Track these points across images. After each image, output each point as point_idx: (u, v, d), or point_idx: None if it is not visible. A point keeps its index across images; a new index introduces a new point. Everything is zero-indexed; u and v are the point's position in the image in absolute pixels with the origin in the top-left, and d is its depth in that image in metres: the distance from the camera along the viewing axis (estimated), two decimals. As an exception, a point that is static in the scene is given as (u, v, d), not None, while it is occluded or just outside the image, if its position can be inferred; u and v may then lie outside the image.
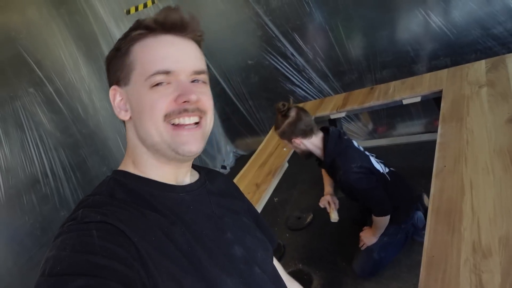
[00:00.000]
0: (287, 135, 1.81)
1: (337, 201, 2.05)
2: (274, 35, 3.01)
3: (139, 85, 0.61)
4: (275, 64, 3.15)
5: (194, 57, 0.65)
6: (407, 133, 3.03)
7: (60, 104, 2.35)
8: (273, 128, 2.08)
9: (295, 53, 3.03)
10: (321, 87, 3.10)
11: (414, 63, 2.60)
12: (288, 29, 2.93)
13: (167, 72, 0.60)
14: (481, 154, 1.40)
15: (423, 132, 2.98)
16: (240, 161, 4.11)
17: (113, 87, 0.65)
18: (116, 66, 0.63)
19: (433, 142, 2.86)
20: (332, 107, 2.43)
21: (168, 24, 0.62)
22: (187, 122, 0.62)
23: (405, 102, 2.16)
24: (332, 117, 2.44)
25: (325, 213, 2.42)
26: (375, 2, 2.50)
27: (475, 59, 2.31)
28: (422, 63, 2.57)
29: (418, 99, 2.13)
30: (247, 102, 3.58)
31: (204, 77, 0.66)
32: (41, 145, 2.10)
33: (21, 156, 2.04)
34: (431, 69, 2.53)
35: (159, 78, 0.60)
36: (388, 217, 1.87)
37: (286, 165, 2.09)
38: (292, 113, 1.78)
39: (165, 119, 0.61)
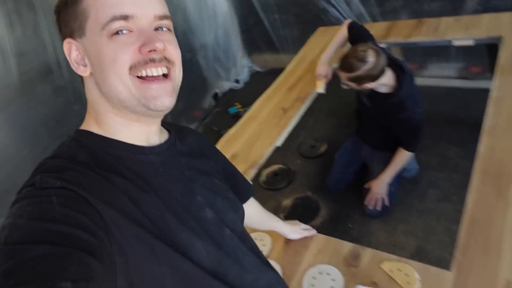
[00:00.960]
0: (361, 80, 1.68)
1: (331, 74, 2.01)
2: None
3: (96, 35, 0.54)
4: (313, -25, 2.82)
5: (155, 0, 0.58)
6: (438, 76, 2.87)
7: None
8: (325, 59, 1.95)
9: (338, -35, 2.69)
10: (358, 10, 2.82)
11: (471, -1, 2.33)
12: None
13: (125, 17, 0.54)
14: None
15: (455, 77, 2.82)
16: (255, 77, 3.95)
17: (67, 40, 0.57)
18: (67, 16, 0.56)
19: (464, 90, 2.78)
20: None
21: None
22: (155, 74, 0.56)
23: (456, 43, 1.98)
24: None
25: (339, 145, 2.39)
26: None
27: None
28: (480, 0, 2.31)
29: (471, 42, 1.94)
30: (272, 15, 3.29)
31: (168, 23, 0.60)
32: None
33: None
34: (488, 9, 2.28)
35: (117, 24, 0.54)
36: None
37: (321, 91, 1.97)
38: (371, 58, 1.61)
39: (131, 71, 0.55)
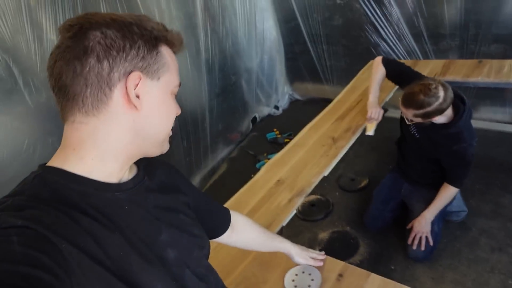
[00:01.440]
0: (429, 115, 1.63)
1: (381, 116, 1.97)
2: (375, -24, 2.65)
3: (167, 88, 0.63)
4: (366, 10, 2.82)
5: None
6: (490, 119, 2.75)
7: None
8: (375, 102, 1.93)
9: (392, 1, 2.68)
10: (410, 47, 2.79)
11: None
12: (393, -29, 2.56)
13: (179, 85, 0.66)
14: None
15: (508, 122, 2.69)
16: (294, 105, 3.94)
17: (138, 72, 0.57)
18: (143, 53, 0.58)
19: (517, 136, 2.65)
20: (428, 72, 2.17)
21: (179, 47, 0.65)
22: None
23: (519, 86, 1.89)
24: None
25: (380, 180, 2.30)
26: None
27: None
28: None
29: (538, 87, 1.85)
30: (320, 45, 3.30)
31: None
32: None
33: None
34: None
35: (177, 90, 0.65)
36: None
37: (372, 133, 1.93)
38: (441, 93, 1.56)
39: None
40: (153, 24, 0.60)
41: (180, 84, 0.66)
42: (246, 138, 3.55)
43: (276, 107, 3.86)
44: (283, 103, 3.91)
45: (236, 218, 1.01)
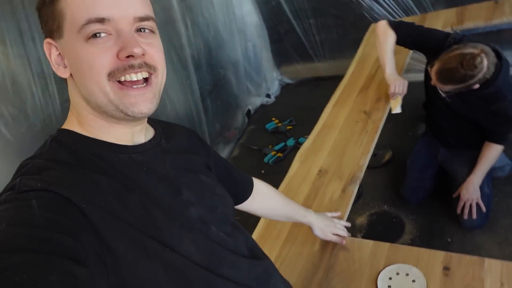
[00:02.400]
0: (472, 86, 1.45)
1: (406, 87, 1.70)
2: None
3: (73, 38, 0.52)
4: (354, -28, 2.62)
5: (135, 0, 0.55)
6: None
7: None
8: (395, 74, 1.69)
9: (381, -42, 2.49)
10: (406, 3, 2.60)
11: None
12: None
13: (101, 20, 0.51)
14: None
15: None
16: (286, 90, 3.72)
17: (47, 40, 0.56)
18: (46, 15, 0.54)
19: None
20: (443, 24, 1.99)
21: None
22: (134, 79, 0.55)
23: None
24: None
25: (408, 151, 2.12)
26: None
27: None
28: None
29: None
30: (307, 20, 3.08)
31: (151, 24, 0.57)
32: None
33: None
34: None
35: (93, 27, 0.51)
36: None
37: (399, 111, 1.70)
38: (484, 62, 1.36)
39: (109, 78, 0.53)
40: None
41: (99, 20, 0.51)
42: (244, 133, 3.31)
43: (268, 96, 3.63)
44: (274, 90, 3.68)
45: (259, 186, 0.99)
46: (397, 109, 1.68)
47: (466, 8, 2.02)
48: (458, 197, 1.79)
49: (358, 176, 1.38)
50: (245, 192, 0.94)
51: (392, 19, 2.61)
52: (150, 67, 0.56)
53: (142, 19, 0.55)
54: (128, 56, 0.53)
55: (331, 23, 2.99)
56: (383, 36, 1.70)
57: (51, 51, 0.57)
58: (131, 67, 0.53)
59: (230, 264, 0.65)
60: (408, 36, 1.68)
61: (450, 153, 1.94)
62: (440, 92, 1.57)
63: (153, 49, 0.57)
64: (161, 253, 0.54)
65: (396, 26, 1.70)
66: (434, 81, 1.52)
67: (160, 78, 0.59)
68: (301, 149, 1.62)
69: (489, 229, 1.77)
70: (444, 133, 1.92)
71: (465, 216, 1.76)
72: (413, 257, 1.03)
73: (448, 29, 1.94)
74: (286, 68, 3.65)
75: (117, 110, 0.55)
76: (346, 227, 1.17)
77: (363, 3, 2.72)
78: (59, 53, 0.56)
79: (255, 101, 3.53)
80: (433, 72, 1.50)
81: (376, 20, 2.72)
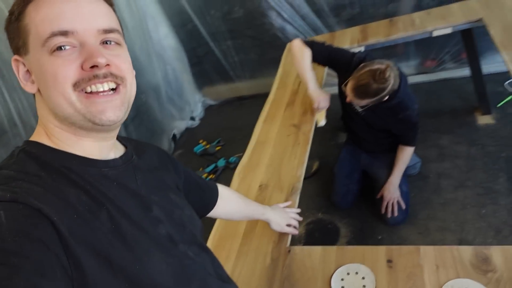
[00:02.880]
0: (383, 98, 1.58)
1: (329, 101, 1.79)
2: (266, -40, 2.61)
3: (37, 52, 0.53)
4: (265, -5, 2.77)
5: (99, 12, 0.56)
6: (398, 75, 2.96)
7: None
8: (317, 89, 1.75)
9: (289, -17, 2.68)
10: (315, 24, 2.83)
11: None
12: (284, -47, 2.54)
13: (64, 33, 0.52)
14: None
15: (415, 73, 2.94)
16: (210, 111, 3.73)
17: (14, 57, 0.57)
18: (12, 33, 0.56)
19: (427, 84, 2.90)
20: (350, 40, 2.20)
21: None
22: (101, 89, 0.55)
23: (435, 33, 2.03)
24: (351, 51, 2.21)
25: (332, 160, 2.27)
26: None
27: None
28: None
29: (449, 30, 2.01)
30: (224, 42, 3.16)
31: (116, 36, 0.58)
32: (3, 83, 1.52)
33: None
34: (442, 3, 2.41)
35: (57, 40, 0.52)
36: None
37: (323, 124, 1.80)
38: (391, 74, 1.49)
39: (75, 88, 0.53)
40: None
41: (63, 32, 0.52)
42: (172, 158, 3.23)
43: (192, 118, 3.61)
44: (198, 112, 3.67)
45: (221, 190, 1.02)
46: (322, 122, 1.78)
47: (368, 26, 2.26)
48: (381, 198, 1.97)
49: (298, 186, 1.43)
50: (213, 199, 0.97)
51: (303, 37, 2.82)
52: (117, 78, 0.56)
53: (106, 31, 0.56)
54: (92, 67, 0.53)
55: (249, 44, 3.11)
56: (300, 54, 1.76)
57: (19, 68, 0.57)
58: (96, 77, 0.54)
59: (199, 284, 0.65)
60: (321, 54, 1.77)
61: (370, 158, 2.11)
62: (356, 107, 1.72)
63: (119, 60, 0.57)
64: (128, 270, 0.53)
65: (309, 44, 1.78)
66: (350, 98, 1.64)
67: (129, 88, 0.59)
68: (238, 167, 1.63)
69: (410, 222, 1.97)
70: (363, 141, 2.10)
71: (389, 215, 1.94)
72: (359, 256, 1.10)
73: (355, 45, 2.15)
74: (208, 90, 3.67)
75: (85, 119, 0.55)
76: (298, 213, 1.28)
77: (275, 24, 2.89)
78: (27, 69, 0.56)
79: (179, 125, 3.47)
80: (348, 90, 1.61)
81: (289, 40, 2.89)
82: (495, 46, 1.69)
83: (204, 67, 3.42)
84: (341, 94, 1.85)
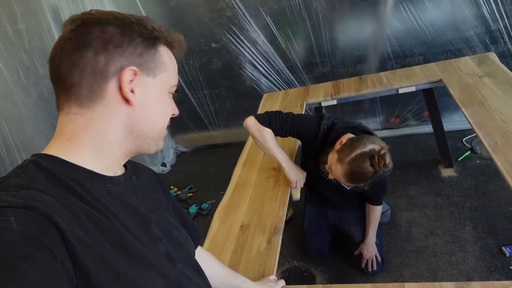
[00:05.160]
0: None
1: (304, 177, 1.69)
2: (245, 19, 2.80)
3: (164, 86, 0.64)
4: (243, 50, 2.93)
5: None
6: (366, 130, 3.14)
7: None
8: (291, 165, 1.64)
9: (265, 40, 2.87)
10: (289, 78, 3.00)
11: (389, 59, 2.71)
12: (262, 12, 2.75)
13: (176, 86, 0.68)
14: (528, 130, 1.47)
15: (382, 128, 3.13)
16: (182, 158, 3.71)
17: (134, 68, 0.59)
18: (141, 50, 0.60)
19: (392, 138, 3.09)
20: (324, 94, 2.34)
21: (179, 50, 0.68)
22: None
23: (401, 91, 2.21)
24: (324, 104, 2.35)
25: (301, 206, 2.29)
26: (362, -6, 2.53)
27: (444, 59, 2.52)
28: (397, 59, 2.70)
29: (413, 88, 2.20)
30: (201, 91, 3.24)
31: None
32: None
33: None
34: (404, 65, 2.67)
35: (174, 90, 0.67)
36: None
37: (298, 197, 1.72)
38: (390, 159, 1.37)
39: None
40: (154, 25, 0.62)
41: (178, 86, 0.68)
42: (140, 205, 3.11)
43: (164, 164, 3.56)
44: (170, 158, 3.63)
45: (199, 248, 0.97)
46: (297, 197, 1.67)
47: (340, 82, 2.43)
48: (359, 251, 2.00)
49: (280, 226, 1.43)
50: (196, 240, 0.92)
51: (275, 90, 2.96)
52: None
53: None
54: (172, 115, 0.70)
55: (224, 94, 3.21)
56: (260, 135, 1.60)
57: (127, 74, 0.59)
58: None
59: None
60: (282, 129, 1.60)
61: (338, 213, 2.07)
62: (346, 188, 1.63)
63: None
64: (134, 283, 0.54)
65: (267, 122, 1.60)
66: (339, 179, 1.48)
67: None
68: (218, 208, 1.61)
69: (385, 269, 1.99)
70: (329, 201, 2.02)
71: (369, 269, 1.97)
72: (346, 295, 1.09)
73: (328, 98, 2.28)
74: (181, 137, 3.68)
75: (154, 145, 0.67)
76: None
77: (252, 76, 3.03)
78: (132, 81, 0.59)
79: (150, 171, 3.40)
80: (339, 174, 1.44)
81: (264, 91, 3.03)
82: (455, 105, 1.86)
83: (179, 115, 3.44)
84: (307, 159, 1.78)
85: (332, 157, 1.47)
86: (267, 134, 1.59)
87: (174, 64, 0.66)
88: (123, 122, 0.60)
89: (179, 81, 0.70)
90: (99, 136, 0.59)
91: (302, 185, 1.68)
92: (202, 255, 0.99)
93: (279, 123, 1.59)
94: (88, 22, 0.57)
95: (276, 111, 1.64)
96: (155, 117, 0.63)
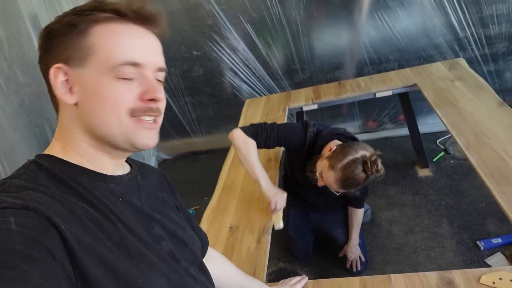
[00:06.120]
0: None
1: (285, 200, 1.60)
2: (226, 27, 2.85)
3: (100, 73, 0.56)
4: (224, 57, 2.98)
5: (160, 53, 0.64)
6: (345, 134, 3.23)
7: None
8: (271, 187, 1.56)
9: (246, 48, 2.93)
10: (270, 85, 3.06)
11: (366, 65, 2.82)
12: (242, 21, 2.81)
13: (135, 64, 0.58)
14: (497, 130, 1.58)
15: (360, 132, 3.23)
16: (164, 165, 3.70)
17: (59, 65, 0.57)
18: (66, 43, 0.57)
19: (371, 141, 3.19)
20: (305, 99, 2.41)
21: (142, 15, 0.59)
22: (147, 120, 0.61)
23: (378, 95, 2.31)
24: (305, 109, 2.42)
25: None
26: (339, 2, 2.63)
27: (418, 64, 2.65)
28: (373, 65, 2.81)
29: (390, 92, 2.30)
30: (182, 98, 3.26)
31: (164, 76, 0.66)
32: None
33: None
34: (380, 71, 2.78)
35: (127, 70, 0.57)
36: None
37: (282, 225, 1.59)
38: (382, 166, 1.38)
39: (130, 114, 0.58)
40: (88, 5, 0.58)
41: (134, 64, 0.57)
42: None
43: (145, 172, 3.53)
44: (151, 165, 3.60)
45: (211, 253, 0.97)
46: (279, 225, 1.54)
47: (320, 87, 2.51)
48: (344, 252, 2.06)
49: (269, 226, 1.46)
50: (204, 246, 0.92)
51: (256, 96, 3.01)
52: (160, 112, 0.64)
53: (161, 69, 0.62)
54: (150, 100, 0.59)
55: (206, 101, 3.24)
56: (245, 147, 1.56)
57: (57, 75, 0.57)
58: (150, 109, 0.60)
59: None
60: (269, 139, 1.59)
61: (321, 215, 2.09)
62: (336, 194, 1.54)
63: (163, 97, 0.63)
64: (134, 282, 0.54)
65: (253, 133, 1.59)
66: (330, 186, 1.49)
67: (161, 120, 0.67)
68: (207, 210, 1.63)
69: (369, 267, 2.05)
70: (312, 205, 2.04)
71: (354, 269, 2.04)
72: (335, 287, 1.13)
73: (309, 102, 2.36)
74: (163, 144, 3.66)
75: (127, 141, 0.60)
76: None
77: (233, 83, 3.07)
78: (67, 79, 0.58)
79: (131, 179, 3.37)
80: (330, 180, 1.45)
81: (245, 98, 3.08)
82: (428, 108, 1.97)
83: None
84: (292, 165, 1.79)
85: (323, 164, 1.48)
86: (252, 146, 1.56)
87: (115, 40, 0.57)
88: (80, 125, 0.59)
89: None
90: (74, 140, 0.60)
91: (282, 206, 1.54)
92: (217, 258, 1.00)
93: (265, 134, 1.58)
94: (43, 33, 0.59)
95: (261, 122, 1.63)
96: (102, 111, 0.57)
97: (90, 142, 0.61)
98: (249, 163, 1.55)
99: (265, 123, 1.63)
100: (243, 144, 1.56)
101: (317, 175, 1.52)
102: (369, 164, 1.35)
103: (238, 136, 1.57)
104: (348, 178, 1.38)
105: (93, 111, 0.57)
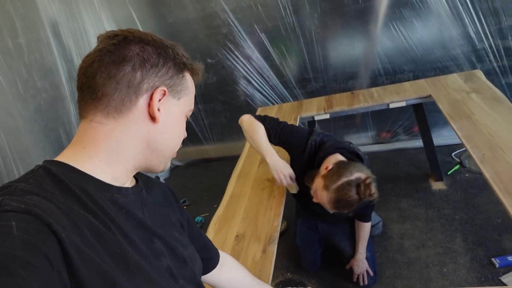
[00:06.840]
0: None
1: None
2: (240, 35, 2.88)
3: (183, 110, 0.69)
4: (238, 66, 3.00)
5: None
6: (358, 144, 3.19)
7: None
8: (281, 163, 1.59)
9: (260, 56, 2.94)
10: (282, 93, 3.06)
11: (380, 75, 2.79)
12: (257, 30, 2.83)
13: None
14: (513, 143, 1.53)
15: (372, 143, 3.19)
16: (175, 172, 3.72)
17: (165, 88, 0.64)
18: (172, 73, 0.64)
19: (384, 152, 3.15)
20: (317, 108, 2.40)
21: (199, 78, 0.73)
22: None
23: (392, 106, 2.28)
24: (317, 118, 2.41)
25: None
26: (354, 13, 2.62)
27: (433, 76, 2.61)
28: (387, 76, 2.78)
29: (403, 103, 2.27)
30: (195, 105, 3.27)
31: None
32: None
33: None
34: (394, 81, 2.75)
35: (190, 114, 0.72)
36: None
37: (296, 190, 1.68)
38: (376, 189, 1.37)
39: None
40: (183, 52, 0.67)
41: (193, 110, 0.72)
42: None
43: (157, 178, 3.56)
44: (163, 172, 3.64)
45: (225, 257, 1.01)
46: (294, 190, 1.63)
47: (332, 97, 2.50)
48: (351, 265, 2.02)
49: (275, 236, 1.45)
50: (214, 258, 0.95)
51: (269, 104, 3.02)
52: None
53: None
54: None
55: (219, 108, 3.26)
56: (252, 128, 1.62)
57: (160, 96, 0.63)
58: None
59: None
60: (273, 130, 1.62)
61: (328, 226, 2.08)
62: (330, 212, 1.52)
63: None
64: None
65: (261, 119, 1.65)
66: (324, 205, 1.49)
67: None
68: (214, 218, 1.63)
69: (378, 281, 2.01)
70: (318, 215, 2.00)
71: (361, 283, 1.99)
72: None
73: (321, 112, 2.34)
74: (175, 151, 3.69)
75: (163, 162, 0.69)
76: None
77: (246, 91, 3.09)
78: (160, 99, 0.63)
79: (143, 184, 3.41)
80: (323, 200, 1.45)
81: (258, 106, 3.09)
82: (443, 120, 1.93)
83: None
84: (295, 173, 1.67)
85: (318, 182, 1.47)
86: (260, 128, 1.62)
87: (194, 90, 0.72)
88: (143, 137, 0.63)
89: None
90: (117, 147, 0.61)
91: (288, 181, 1.57)
92: (230, 262, 1.02)
93: (271, 124, 1.64)
94: (130, 39, 0.61)
95: (273, 117, 1.69)
96: (172, 137, 0.67)
97: (137, 155, 0.64)
98: (256, 139, 1.61)
99: (276, 118, 1.69)
100: (250, 125, 1.64)
101: (312, 192, 1.51)
102: (362, 187, 1.35)
103: (247, 119, 1.67)
104: (341, 200, 1.38)
105: (168, 134, 0.66)
